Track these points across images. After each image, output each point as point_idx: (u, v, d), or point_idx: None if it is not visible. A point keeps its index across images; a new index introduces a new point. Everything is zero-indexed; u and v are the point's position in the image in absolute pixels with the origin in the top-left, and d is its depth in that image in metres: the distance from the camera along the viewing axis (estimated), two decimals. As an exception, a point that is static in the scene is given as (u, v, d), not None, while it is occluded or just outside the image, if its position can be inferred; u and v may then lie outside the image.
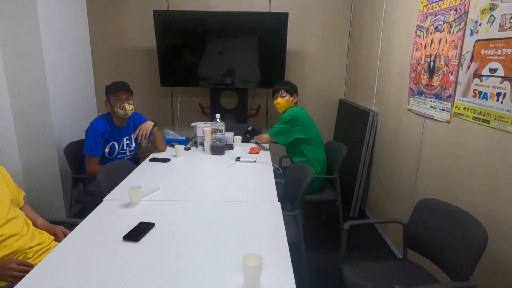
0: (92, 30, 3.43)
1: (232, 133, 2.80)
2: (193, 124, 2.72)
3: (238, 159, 2.36)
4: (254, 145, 2.78)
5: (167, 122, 3.77)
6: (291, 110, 2.57)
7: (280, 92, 2.66)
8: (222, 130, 2.47)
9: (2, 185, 1.46)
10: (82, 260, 1.20)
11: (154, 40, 3.29)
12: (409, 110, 2.30)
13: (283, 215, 1.58)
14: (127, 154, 2.50)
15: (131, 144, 2.51)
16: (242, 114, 3.62)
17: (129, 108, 2.32)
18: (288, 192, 2.18)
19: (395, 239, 2.54)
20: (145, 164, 2.28)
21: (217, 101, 3.57)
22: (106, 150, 2.35)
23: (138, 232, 1.36)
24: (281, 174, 2.32)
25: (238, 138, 2.75)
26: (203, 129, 2.53)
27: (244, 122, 3.61)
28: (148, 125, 2.40)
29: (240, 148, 2.72)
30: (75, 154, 2.41)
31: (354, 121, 3.19)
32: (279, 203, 1.70)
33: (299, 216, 1.87)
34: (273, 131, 2.60)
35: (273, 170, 2.23)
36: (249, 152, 2.57)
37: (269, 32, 3.29)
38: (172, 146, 2.65)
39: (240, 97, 3.58)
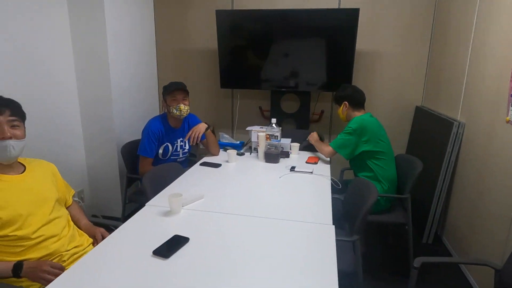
0: (158, 31, 3.52)
1: (289, 140, 2.60)
2: (248, 128, 2.58)
3: (293, 169, 2.15)
4: (312, 154, 2.53)
5: (226, 125, 3.70)
6: (358, 118, 2.25)
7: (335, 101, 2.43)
8: (277, 136, 2.28)
9: (49, 184, 1.46)
10: (107, 272, 1.10)
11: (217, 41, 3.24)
12: (508, 122, 1.85)
13: (339, 240, 1.34)
14: (181, 156, 2.45)
15: (185, 146, 2.46)
16: (304, 119, 3.38)
17: (184, 109, 2.26)
18: (347, 211, 1.91)
19: (482, 282, 2.08)
20: (195, 169, 2.19)
21: (278, 105, 3.39)
22: (160, 151, 2.32)
23: (170, 247, 1.24)
24: (340, 189, 2.05)
25: (296, 145, 2.53)
26: (258, 134, 2.36)
27: (306, 128, 3.37)
28: (201, 127, 2.32)
29: (297, 156, 2.50)
30: (131, 153, 2.43)
31: (433, 132, 2.75)
32: (333, 226, 1.45)
33: (358, 243, 1.59)
34: (336, 142, 2.27)
35: (331, 184, 1.97)
36: (306, 162, 2.34)
37: (337, 31, 3.00)
38: (226, 150, 2.55)
39: (302, 100, 3.35)
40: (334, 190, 2.03)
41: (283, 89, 3.27)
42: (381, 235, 2.73)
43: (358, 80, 3.31)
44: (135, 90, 2.90)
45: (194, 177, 2.03)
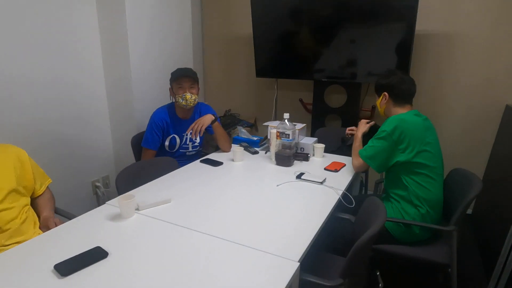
0: (206, 16, 3.38)
1: (313, 139, 2.18)
2: (265, 123, 2.24)
3: (300, 176, 1.76)
4: (339, 159, 2.08)
5: (267, 118, 3.39)
6: (395, 118, 1.66)
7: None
8: (288, 135, 1.90)
9: (7, 172, 1.40)
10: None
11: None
12: None
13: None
14: (190, 149, 2.26)
15: (195, 139, 2.25)
16: (351, 115, 2.87)
17: (191, 98, 2.05)
18: (352, 240, 1.46)
19: None
20: (192, 166, 1.97)
21: (321, 97, 2.94)
22: (166, 143, 2.16)
23: (76, 262, 1.04)
24: (353, 207, 1.59)
25: (320, 146, 2.11)
26: (270, 131, 2.02)
27: (355, 125, 2.85)
28: (206, 119, 2.07)
29: (321, 160, 2.08)
30: (139, 145, 2.32)
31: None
32: (298, 263, 1.07)
33: (343, 289, 1.17)
34: (367, 151, 1.75)
35: (342, 200, 1.55)
36: (325, 168, 1.92)
37: (393, 9, 2.42)
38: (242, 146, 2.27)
39: (349, 93, 2.84)
40: (346, 208, 1.59)
41: (326, 79, 2.81)
42: (414, 275, 2.10)
43: (421, 70, 2.67)
44: (164, 77, 2.78)
45: (182, 176, 1.80)
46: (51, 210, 1.54)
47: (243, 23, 3.26)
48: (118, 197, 1.35)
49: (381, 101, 1.82)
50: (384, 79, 1.81)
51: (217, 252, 1.12)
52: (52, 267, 1.02)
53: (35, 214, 1.50)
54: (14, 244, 1.31)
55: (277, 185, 1.67)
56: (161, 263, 1.06)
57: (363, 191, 2.69)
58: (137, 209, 1.40)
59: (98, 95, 2.57)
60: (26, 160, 1.51)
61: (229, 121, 3.45)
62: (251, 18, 2.88)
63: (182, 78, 2.04)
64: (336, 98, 2.97)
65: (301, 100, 3.10)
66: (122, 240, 1.19)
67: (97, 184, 2.67)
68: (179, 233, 1.24)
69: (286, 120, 1.91)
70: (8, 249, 1.15)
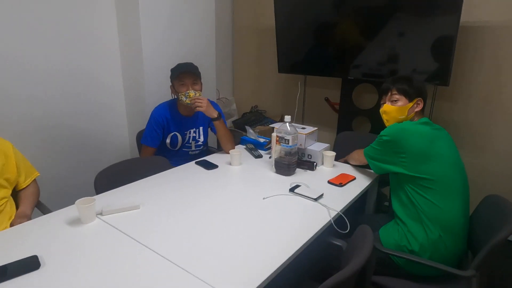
0: (237, 7, 3.24)
1: (323, 146, 1.93)
2: (272, 125, 2.03)
3: (293, 189, 1.54)
4: (350, 170, 1.81)
5: (293, 116, 3.16)
6: (395, 126, 1.50)
7: (389, 94, 1.59)
8: (288, 140, 1.67)
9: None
10: None
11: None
12: None
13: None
14: (193, 148, 2.14)
15: (199, 137, 2.13)
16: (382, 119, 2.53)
17: (195, 96, 1.92)
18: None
19: None
20: (185, 167, 1.84)
21: (348, 97, 2.63)
22: (167, 140, 2.07)
23: (6, 272, 0.97)
24: (347, 232, 1.34)
25: (330, 155, 1.85)
26: (272, 134, 1.82)
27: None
28: (211, 109, 1.93)
29: (329, 170, 1.83)
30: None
31: None
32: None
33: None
34: (368, 150, 1.65)
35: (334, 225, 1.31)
36: (329, 181, 1.67)
37: (433, 1, 2.04)
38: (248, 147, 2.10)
39: (380, 94, 2.49)
40: (340, 233, 1.35)
41: (357, 78, 2.50)
42: None
43: (466, 70, 2.24)
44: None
45: (168, 178, 1.69)
46: (29, 206, 1.52)
47: (271, 14, 3.05)
48: (77, 200, 1.27)
49: (412, 107, 1.56)
50: (417, 83, 1.58)
51: (164, 278, 0.98)
52: (-22, 274, 0.96)
53: (14, 209, 1.49)
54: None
55: (264, 198, 1.47)
56: (101, 278, 0.95)
57: (389, 205, 2.37)
58: (101, 214, 1.31)
59: (116, 90, 2.57)
60: (10, 153, 1.50)
61: (253, 118, 3.29)
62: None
63: (183, 74, 1.92)
64: (366, 98, 2.65)
65: (326, 99, 2.82)
66: (67, 248, 1.10)
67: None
68: (132, 248, 1.12)
69: (287, 124, 1.68)
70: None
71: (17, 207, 1.51)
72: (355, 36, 2.42)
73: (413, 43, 2.21)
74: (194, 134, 2.11)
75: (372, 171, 1.71)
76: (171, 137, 2.06)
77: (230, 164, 1.87)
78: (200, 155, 2.17)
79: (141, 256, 1.07)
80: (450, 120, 2.38)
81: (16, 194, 1.55)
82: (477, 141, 2.33)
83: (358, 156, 1.79)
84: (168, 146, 2.09)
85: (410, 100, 1.55)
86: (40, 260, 1.02)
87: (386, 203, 2.34)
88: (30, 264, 1.00)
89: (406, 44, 2.24)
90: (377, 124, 2.53)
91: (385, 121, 1.64)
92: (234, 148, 2.04)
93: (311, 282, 1.37)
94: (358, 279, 1.18)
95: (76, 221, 1.26)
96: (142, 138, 2.04)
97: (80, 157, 2.42)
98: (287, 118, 1.70)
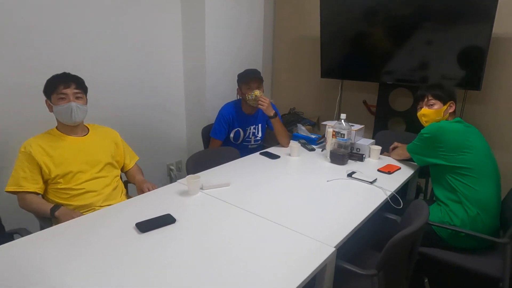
0: (278, 17, 3.56)
1: (370, 141, 2.23)
2: (324, 122, 2.34)
3: (350, 174, 1.84)
4: (395, 162, 2.10)
5: (330, 117, 3.45)
6: (434, 125, 1.79)
7: (426, 99, 1.89)
8: (344, 134, 1.98)
9: (105, 148, 1.75)
10: (92, 229, 1.26)
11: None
12: None
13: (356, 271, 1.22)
14: (252, 142, 2.46)
15: (258, 133, 2.45)
16: (417, 120, 2.79)
17: (259, 94, 2.24)
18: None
19: None
20: (251, 157, 2.17)
21: (385, 100, 2.91)
22: (231, 135, 2.40)
23: (152, 223, 1.30)
24: (401, 208, 1.63)
25: (377, 148, 2.15)
26: (327, 130, 2.12)
27: (418, 131, 2.77)
28: (270, 108, 2.25)
29: (376, 162, 2.12)
30: (209, 135, 2.58)
31: None
32: (334, 249, 1.20)
33: (376, 280, 1.25)
34: (410, 146, 1.95)
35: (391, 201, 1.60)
36: (378, 169, 1.96)
37: (471, 9, 2.31)
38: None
39: (417, 100, 2.77)
40: (393, 209, 1.64)
41: (394, 82, 2.78)
42: (464, 286, 1.98)
43: (500, 77, 2.49)
44: (233, 73, 3.01)
45: (242, 165, 2.01)
46: (143, 177, 1.87)
47: (311, 24, 3.36)
48: (187, 176, 1.60)
49: (446, 109, 1.86)
50: (448, 88, 1.88)
51: (263, 231, 1.29)
52: (133, 225, 1.29)
53: (123, 185, 1.83)
54: (107, 206, 1.64)
55: (328, 181, 1.78)
56: (217, 234, 1.27)
57: (423, 197, 2.64)
58: (202, 188, 1.63)
59: (177, 87, 2.91)
60: (119, 141, 1.86)
61: (292, 119, 3.59)
62: (319, 18, 2.98)
63: (251, 79, 2.25)
64: (401, 101, 2.92)
65: (364, 102, 3.11)
66: (187, 211, 1.43)
67: (171, 167, 3.04)
68: (234, 212, 1.44)
69: (342, 120, 2.00)
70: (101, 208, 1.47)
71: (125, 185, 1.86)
72: (390, 44, 2.70)
73: (445, 50, 2.47)
74: (254, 130, 2.43)
75: (413, 163, 1.99)
76: (234, 132, 2.39)
77: (289, 155, 2.19)
78: (257, 148, 2.50)
79: (240, 216, 1.39)
80: (480, 122, 2.63)
81: (125, 174, 1.92)
82: (506, 142, 2.56)
83: (402, 151, 2.07)
84: (231, 139, 2.42)
85: (444, 103, 1.85)
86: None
87: (421, 196, 2.61)
88: (169, 219, 1.33)
89: (438, 52, 2.50)
90: (412, 124, 2.82)
91: (424, 122, 1.93)
92: (289, 142, 2.35)
93: (370, 251, 1.65)
94: (410, 247, 1.47)
95: (184, 193, 1.60)
96: (211, 132, 2.38)
97: (145, 146, 2.74)
98: (343, 116, 2.01)
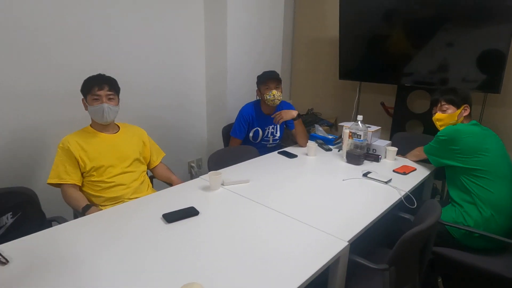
0: (297, 19, 3.63)
1: (386, 142, 2.27)
2: (341, 123, 2.40)
3: (366, 174, 1.90)
4: (411, 163, 2.14)
5: (347, 119, 3.49)
6: (450, 127, 1.83)
7: (439, 104, 1.93)
8: (360, 135, 2.04)
9: (134, 145, 1.88)
10: (120, 219, 1.38)
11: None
12: None
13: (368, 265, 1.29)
14: (271, 142, 2.55)
15: (276, 133, 2.53)
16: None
17: (277, 94, 2.33)
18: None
19: None
20: (270, 155, 2.25)
21: (403, 102, 2.94)
22: (251, 134, 2.49)
23: (178, 215, 1.40)
24: (415, 208, 1.67)
25: (393, 149, 2.19)
26: (344, 130, 2.18)
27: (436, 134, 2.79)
28: (289, 113, 2.33)
29: (392, 163, 2.16)
30: (229, 134, 2.68)
31: None
32: (348, 244, 1.27)
33: (387, 274, 1.31)
34: (427, 147, 1.98)
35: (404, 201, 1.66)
36: (394, 170, 2.01)
37: (493, 11, 2.31)
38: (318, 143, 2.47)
39: (431, 105, 2.78)
40: (407, 208, 1.70)
41: (413, 85, 2.80)
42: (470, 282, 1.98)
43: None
44: (253, 75, 3.10)
45: (261, 163, 2.10)
46: (171, 172, 2.01)
47: (330, 26, 3.41)
48: (209, 172, 1.70)
49: (461, 113, 1.89)
50: (462, 92, 1.91)
51: (280, 224, 1.38)
52: (160, 216, 1.40)
53: (149, 180, 1.96)
54: (135, 198, 1.76)
55: (343, 180, 1.85)
56: (237, 226, 1.36)
57: (440, 199, 2.65)
58: (223, 184, 1.73)
59: (199, 88, 3.03)
60: (146, 138, 1.98)
61: (310, 120, 3.65)
62: (338, 21, 3.03)
63: (270, 80, 2.33)
64: (419, 103, 2.94)
65: (382, 104, 3.14)
66: (210, 205, 1.53)
67: (192, 164, 3.16)
68: (253, 207, 1.53)
69: (359, 122, 2.05)
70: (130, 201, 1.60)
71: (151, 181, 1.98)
72: (410, 46, 2.72)
73: (465, 53, 2.48)
74: (272, 130, 2.52)
75: (429, 165, 2.03)
76: (253, 132, 2.48)
77: (306, 154, 2.26)
78: (275, 147, 2.58)
79: (258, 210, 1.48)
80: (500, 125, 2.62)
81: (152, 170, 2.03)
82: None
83: (419, 152, 2.11)
84: (250, 139, 2.51)
85: (458, 107, 1.88)
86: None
87: (438, 197, 2.63)
88: (193, 211, 1.44)
89: (457, 54, 2.51)
90: (430, 127, 2.83)
91: (438, 127, 1.96)
92: (307, 142, 2.42)
93: (383, 248, 1.71)
94: (422, 247, 1.52)
95: (206, 188, 1.70)
96: (232, 131, 2.48)
97: (167, 143, 2.83)
98: (360, 117, 2.07)
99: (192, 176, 3.17)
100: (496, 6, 2.29)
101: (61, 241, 1.23)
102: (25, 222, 1.40)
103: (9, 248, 1.16)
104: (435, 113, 1.98)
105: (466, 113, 1.88)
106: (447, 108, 1.90)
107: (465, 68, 2.51)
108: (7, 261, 1.09)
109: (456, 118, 1.89)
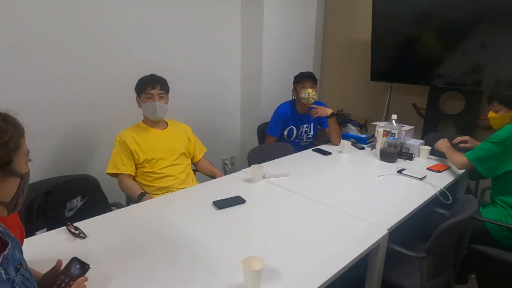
0: (328, 22, 3.71)
1: (419, 141, 2.32)
2: (374, 123, 2.46)
3: (400, 171, 1.97)
4: (445, 161, 2.18)
5: (377, 119, 3.53)
6: (508, 128, 1.73)
7: (492, 104, 1.86)
8: (394, 134, 2.10)
9: (180, 140, 2.03)
10: (175, 205, 1.53)
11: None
12: None
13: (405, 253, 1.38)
14: (304, 140, 2.65)
15: (310, 131, 2.63)
16: (468, 123, 2.82)
17: (312, 93, 2.43)
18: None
19: None
20: (305, 152, 2.35)
21: (436, 103, 2.96)
22: (285, 132, 2.60)
23: (227, 202, 1.53)
24: (450, 203, 1.72)
25: (426, 148, 2.24)
26: (378, 129, 2.25)
27: (470, 135, 2.78)
28: (324, 110, 2.43)
29: (425, 161, 2.21)
30: (263, 133, 2.79)
31: None
32: (387, 232, 1.35)
33: (425, 262, 1.38)
34: (474, 154, 1.82)
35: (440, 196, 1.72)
36: (428, 168, 2.06)
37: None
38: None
39: (468, 101, 2.79)
40: (441, 204, 1.75)
41: (445, 86, 2.83)
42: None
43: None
44: (286, 77, 3.20)
45: (297, 159, 2.21)
46: (213, 166, 2.16)
47: (361, 28, 3.47)
48: (252, 166, 1.82)
49: None
50: None
51: (321, 214, 1.48)
52: (211, 203, 1.54)
53: (193, 172, 2.10)
54: (182, 188, 1.91)
55: (378, 176, 1.92)
56: (280, 214, 1.48)
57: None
58: (263, 177, 1.85)
59: (234, 90, 3.18)
60: (190, 134, 2.13)
61: (340, 120, 3.72)
62: (370, 23, 3.09)
63: (305, 79, 2.44)
64: (452, 104, 2.95)
65: (414, 105, 3.17)
66: (254, 195, 1.65)
67: (226, 162, 3.31)
68: (293, 197, 1.64)
69: (393, 121, 2.12)
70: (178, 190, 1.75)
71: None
72: (442, 48, 2.75)
73: (499, 53, 2.48)
74: (307, 129, 2.62)
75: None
76: (288, 130, 2.59)
77: (340, 152, 2.34)
78: (309, 146, 2.67)
79: (299, 200, 1.59)
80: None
81: (195, 164, 2.18)
82: None
83: (459, 160, 1.89)
84: (285, 137, 2.62)
85: (510, 108, 1.79)
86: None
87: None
88: (240, 200, 1.56)
89: (491, 55, 2.51)
90: (463, 128, 2.85)
91: (492, 124, 1.92)
92: (340, 140, 2.51)
93: (418, 241, 1.77)
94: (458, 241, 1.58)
95: (249, 180, 1.82)
96: (267, 129, 2.60)
97: (207, 144, 3.03)
98: (394, 116, 2.14)
99: (226, 173, 3.31)
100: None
101: (126, 222, 1.39)
102: (92, 205, 1.57)
103: (85, 225, 1.32)
104: (489, 111, 1.91)
105: None
106: (499, 110, 1.82)
107: (499, 69, 2.52)
108: (86, 235, 1.25)
109: (508, 120, 1.81)
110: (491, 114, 1.89)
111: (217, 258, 1.15)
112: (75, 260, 0.94)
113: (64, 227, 1.28)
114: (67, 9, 2.02)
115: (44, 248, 1.18)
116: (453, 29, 2.68)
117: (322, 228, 1.37)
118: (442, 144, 2.09)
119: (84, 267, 0.94)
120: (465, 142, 2.14)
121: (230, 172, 3.32)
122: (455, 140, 2.16)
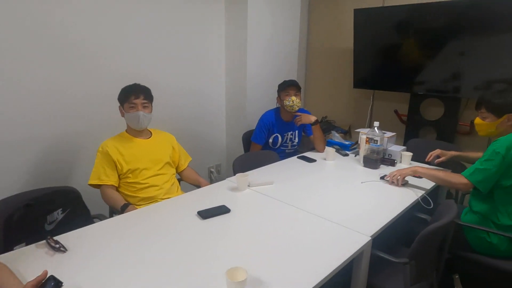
0: (312, 30, 3.77)
1: (401, 147, 2.37)
2: (357, 130, 2.51)
3: (383, 177, 2.00)
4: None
5: (361, 126, 3.60)
6: (506, 139, 1.62)
7: (480, 111, 1.77)
8: (377, 140, 2.14)
9: (165, 150, 2.01)
10: (157, 217, 1.51)
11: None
12: None
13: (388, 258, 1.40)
14: (289, 147, 2.67)
15: (294, 139, 2.65)
16: (448, 129, 2.90)
17: (296, 101, 2.45)
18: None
19: None
20: (290, 160, 2.37)
21: (416, 110, 3.03)
22: (270, 140, 2.61)
23: (211, 212, 1.53)
24: (431, 208, 1.76)
25: (408, 154, 2.29)
26: (361, 136, 2.29)
27: (450, 140, 2.87)
28: (308, 117, 2.46)
29: (407, 167, 2.25)
30: (249, 140, 2.80)
31: None
32: (370, 238, 1.37)
33: (407, 268, 1.40)
34: (476, 176, 1.66)
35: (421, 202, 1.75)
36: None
37: (506, 19, 2.41)
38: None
39: (447, 107, 2.88)
40: (424, 209, 1.79)
41: (425, 93, 2.91)
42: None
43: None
44: (270, 84, 3.23)
45: (282, 167, 2.22)
46: (198, 175, 2.15)
47: (343, 37, 3.54)
48: (237, 174, 1.83)
49: (502, 123, 1.70)
50: (507, 98, 1.69)
51: (306, 222, 1.49)
52: (195, 213, 1.53)
53: (178, 182, 2.09)
54: (167, 198, 1.89)
55: (362, 182, 1.95)
56: (265, 223, 1.48)
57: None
58: (249, 185, 1.85)
59: (219, 100, 3.19)
60: (175, 143, 2.12)
61: (324, 127, 3.76)
62: (352, 32, 3.16)
63: (289, 87, 2.47)
64: (432, 111, 3.03)
65: (396, 111, 3.24)
66: (239, 204, 1.65)
67: (212, 170, 3.30)
68: (278, 205, 1.65)
69: (375, 128, 2.16)
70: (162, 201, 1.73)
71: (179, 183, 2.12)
72: (423, 55, 2.83)
73: (478, 61, 2.57)
74: (291, 136, 2.64)
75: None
76: (273, 138, 2.61)
77: (325, 159, 2.37)
78: (294, 153, 2.69)
79: (284, 208, 1.60)
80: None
81: (180, 173, 2.17)
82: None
83: (458, 180, 1.72)
84: (270, 144, 2.63)
85: (499, 116, 1.69)
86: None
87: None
88: (225, 209, 1.56)
89: (470, 62, 2.60)
90: (443, 133, 2.93)
91: (478, 131, 1.84)
92: (325, 147, 2.54)
93: (401, 247, 1.79)
94: (439, 245, 1.61)
95: (234, 189, 1.82)
96: (252, 137, 2.61)
97: (192, 152, 3.02)
98: (376, 123, 2.18)
99: (212, 181, 3.30)
100: (507, 15, 2.38)
101: (109, 234, 1.36)
102: (73, 218, 1.54)
103: (66, 239, 1.29)
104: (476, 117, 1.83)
105: (510, 123, 1.68)
106: (486, 117, 1.74)
107: (479, 76, 2.60)
108: (66, 249, 1.22)
109: (494, 128, 1.73)
110: (477, 120, 1.80)
111: (201, 269, 1.15)
112: (51, 278, 0.93)
113: (44, 241, 1.25)
114: (48, 19, 2.00)
115: (22, 263, 1.14)
116: (433, 37, 2.76)
117: (306, 236, 1.37)
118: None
119: (58, 285, 0.93)
120: (437, 156, 2.10)
121: (216, 180, 3.32)
122: (428, 158, 2.12)
